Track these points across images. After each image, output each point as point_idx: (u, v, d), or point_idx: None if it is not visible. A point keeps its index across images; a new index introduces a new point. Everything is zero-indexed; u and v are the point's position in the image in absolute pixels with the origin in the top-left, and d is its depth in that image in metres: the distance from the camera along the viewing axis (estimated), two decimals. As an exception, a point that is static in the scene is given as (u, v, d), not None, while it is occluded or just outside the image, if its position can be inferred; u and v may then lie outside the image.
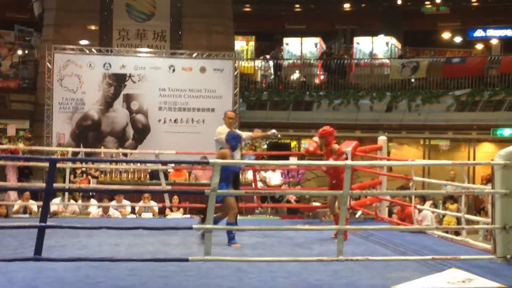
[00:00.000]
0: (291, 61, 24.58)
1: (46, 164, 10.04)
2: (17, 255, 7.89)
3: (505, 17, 28.18)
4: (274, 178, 15.67)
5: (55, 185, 9.54)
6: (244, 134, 11.00)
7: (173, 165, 15.11)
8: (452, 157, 22.41)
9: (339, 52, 25.74)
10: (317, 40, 25.68)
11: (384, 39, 25.16)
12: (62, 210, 13.24)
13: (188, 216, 13.52)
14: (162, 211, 13.67)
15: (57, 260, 7.36)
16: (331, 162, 9.81)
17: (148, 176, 15.15)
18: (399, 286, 6.76)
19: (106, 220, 12.35)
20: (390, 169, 13.41)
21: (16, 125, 17.42)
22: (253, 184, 13.71)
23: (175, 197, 13.49)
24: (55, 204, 13.14)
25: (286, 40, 25.95)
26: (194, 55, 19.61)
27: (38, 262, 7.06)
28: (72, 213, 13.41)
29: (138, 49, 19.97)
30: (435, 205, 16.31)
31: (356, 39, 25.44)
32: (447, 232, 11.03)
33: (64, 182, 13.33)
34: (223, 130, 10.40)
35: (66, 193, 13.23)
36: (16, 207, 13.36)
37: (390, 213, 13.19)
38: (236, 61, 20.05)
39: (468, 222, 9.92)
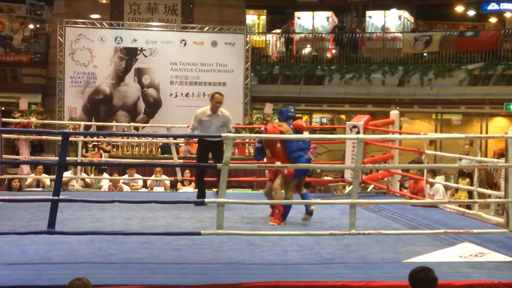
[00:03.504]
0: (302, 35, 24.42)
1: (59, 138, 10.09)
2: (30, 228, 7.94)
3: (520, -10, 27.87)
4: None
5: (67, 158, 9.58)
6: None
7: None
8: (465, 131, 22.23)
9: (351, 26, 25.49)
10: (329, 14, 25.44)
11: (396, 12, 24.89)
12: (69, 179, 13.18)
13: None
14: (173, 185, 13.71)
15: (71, 233, 7.39)
16: (343, 136, 9.77)
17: (159, 150, 15.17)
18: (411, 260, 6.76)
19: (118, 194, 12.40)
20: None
21: (28, 99, 17.44)
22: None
23: (187, 171, 13.53)
24: (66, 176, 13.18)
25: (297, 14, 25.71)
26: (205, 29, 19.52)
27: (52, 235, 7.09)
28: (84, 186, 13.47)
29: (149, 23, 19.90)
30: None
31: (368, 13, 25.17)
32: (459, 206, 11.03)
33: (76, 156, 13.37)
34: (202, 112, 10.34)
35: (78, 167, 13.27)
36: (29, 181, 13.43)
37: (402, 187, 13.16)
38: (248, 35, 19.97)
39: (480, 196, 9.88)
